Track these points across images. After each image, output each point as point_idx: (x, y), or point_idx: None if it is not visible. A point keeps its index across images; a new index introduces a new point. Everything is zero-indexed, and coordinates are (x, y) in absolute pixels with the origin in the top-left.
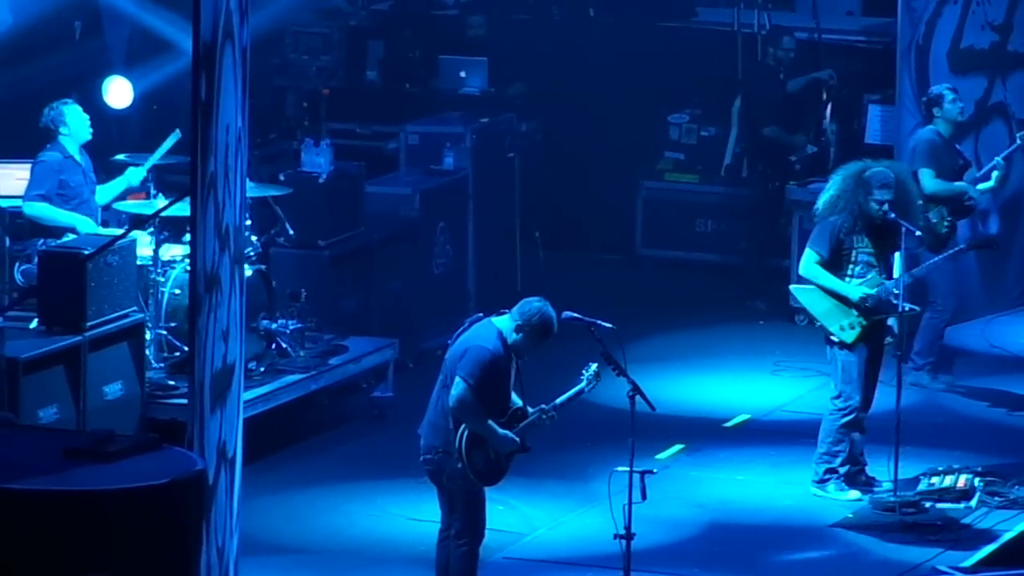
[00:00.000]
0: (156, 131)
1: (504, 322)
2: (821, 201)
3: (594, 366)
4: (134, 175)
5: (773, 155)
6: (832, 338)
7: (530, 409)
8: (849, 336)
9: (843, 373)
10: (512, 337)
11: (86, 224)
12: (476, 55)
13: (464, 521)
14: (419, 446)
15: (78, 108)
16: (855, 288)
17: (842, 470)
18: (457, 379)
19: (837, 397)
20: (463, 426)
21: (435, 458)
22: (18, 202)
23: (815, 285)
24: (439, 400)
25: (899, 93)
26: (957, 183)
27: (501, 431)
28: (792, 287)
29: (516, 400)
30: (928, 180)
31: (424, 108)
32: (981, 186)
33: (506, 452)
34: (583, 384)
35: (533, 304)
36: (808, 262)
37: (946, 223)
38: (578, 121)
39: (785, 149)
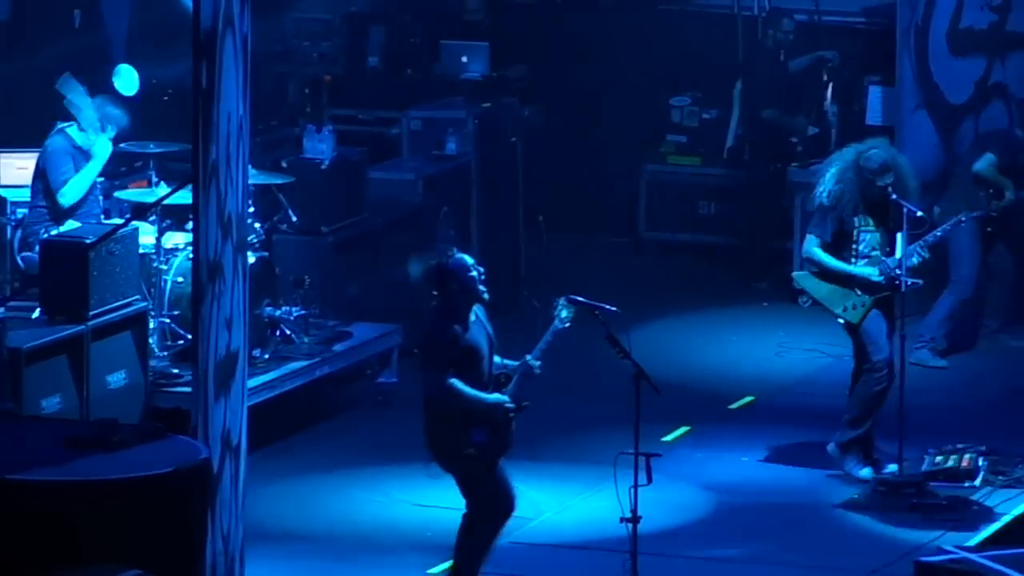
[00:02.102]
0: (159, 120)
1: (440, 300)
2: (825, 192)
3: (562, 300)
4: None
5: (773, 137)
6: (838, 320)
7: (511, 363)
8: (855, 316)
9: (872, 342)
10: (450, 303)
11: (102, 145)
12: (477, 40)
13: (479, 505)
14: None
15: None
16: (861, 268)
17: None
18: (424, 372)
19: (870, 368)
20: (452, 410)
21: (439, 452)
22: (20, 193)
23: (817, 268)
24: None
25: (899, 74)
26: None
27: (489, 398)
28: (795, 273)
29: (503, 362)
30: (985, 163)
31: (426, 93)
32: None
33: (502, 417)
34: (556, 323)
35: (430, 274)
36: (809, 245)
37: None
38: (580, 105)
39: (785, 131)
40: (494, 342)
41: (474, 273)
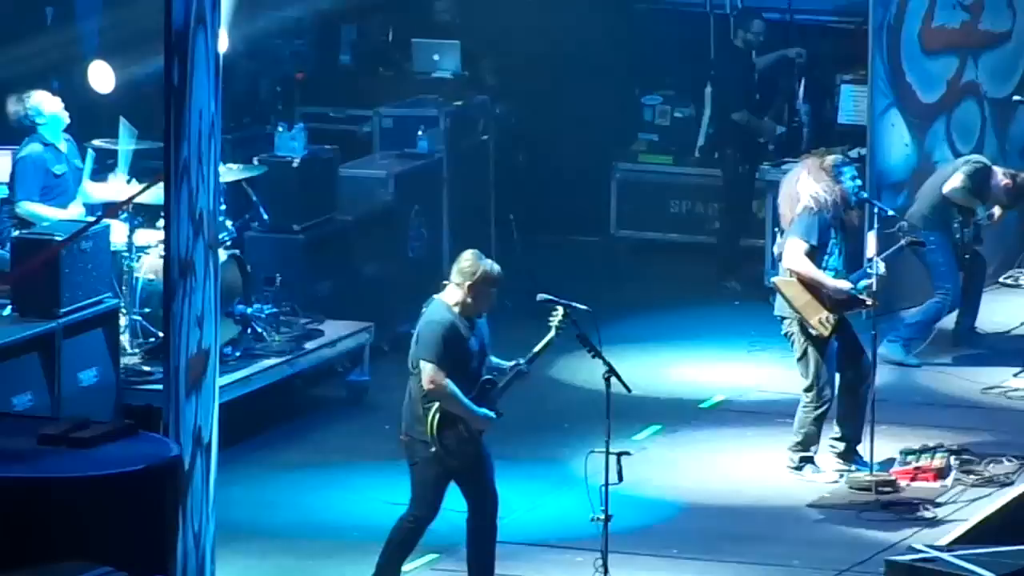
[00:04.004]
0: (131, 118)
1: (449, 292)
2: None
3: (561, 309)
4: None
5: (742, 138)
6: (811, 331)
7: (505, 364)
8: (827, 330)
9: (814, 367)
10: (464, 302)
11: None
12: (449, 38)
13: (420, 505)
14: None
15: (46, 94)
16: (842, 281)
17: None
18: (421, 363)
19: (809, 389)
20: (434, 410)
21: (406, 441)
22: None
23: (799, 277)
24: (408, 389)
25: (871, 73)
26: None
27: (477, 409)
28: (776, 279)
29: (497, 362)
30: (959, 188)
31: (397, 91)
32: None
33: (482, 428)
34: (552, 334)
35: (467, 262)
36: (797, 252)
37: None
38: (552, 103)
39: (754, 134)
40: (487, 348)
41: (493, 290)
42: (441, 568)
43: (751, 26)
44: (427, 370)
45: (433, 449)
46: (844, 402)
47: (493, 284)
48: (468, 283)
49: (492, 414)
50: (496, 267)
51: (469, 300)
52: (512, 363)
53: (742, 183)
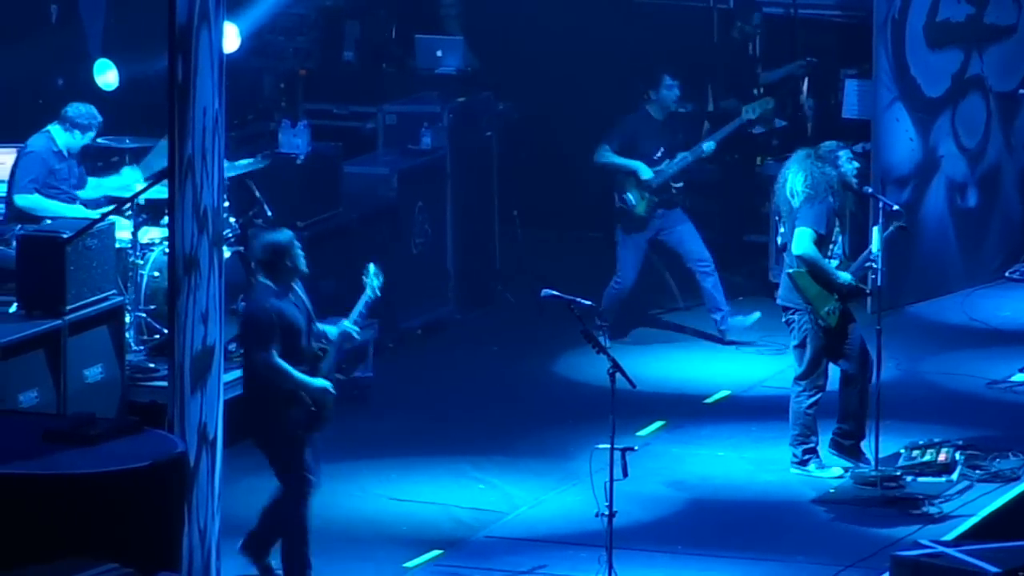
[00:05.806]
0: (135, 115)
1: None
2: (797, 185)
3: (371, 266)
4: (130, 177)
5: (738, 131)
6: (819, 322)
7: (331, 329)
8: (833, 320)
9: (812, 356)
10: (272, 280)
11: (76, 213)
12: (452, 34)
13: (291, 482)
14: None
15: (93, 131)
16: (844, 274)
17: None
18: (249, 350)
19: (802, 378)
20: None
21: (257, 430)
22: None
23: (809, 266)
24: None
25: (875, 68)
26: (629, 160)
27: (313, 381)
28: (791, 272)
29: (322, 328)
30: (601, 152)
31: (401, 88)
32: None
33: (322, 399)
34: (368, 292)
35: (268, 244)
36: (807, 241)
37: (644, 201)
38: (555, 99)
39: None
40: (312, 315)
41: (299, 246)
42: (445, 564)
43: (749, 18)
44: (254, 356)
45: (288, 428)
46: (845, 397)
47: (285, 255)
48: (265, 264)
49: (328, 384)
50: (285, 232)
51: (275, 278)
52: (338, 328)
53: (736, 175)
